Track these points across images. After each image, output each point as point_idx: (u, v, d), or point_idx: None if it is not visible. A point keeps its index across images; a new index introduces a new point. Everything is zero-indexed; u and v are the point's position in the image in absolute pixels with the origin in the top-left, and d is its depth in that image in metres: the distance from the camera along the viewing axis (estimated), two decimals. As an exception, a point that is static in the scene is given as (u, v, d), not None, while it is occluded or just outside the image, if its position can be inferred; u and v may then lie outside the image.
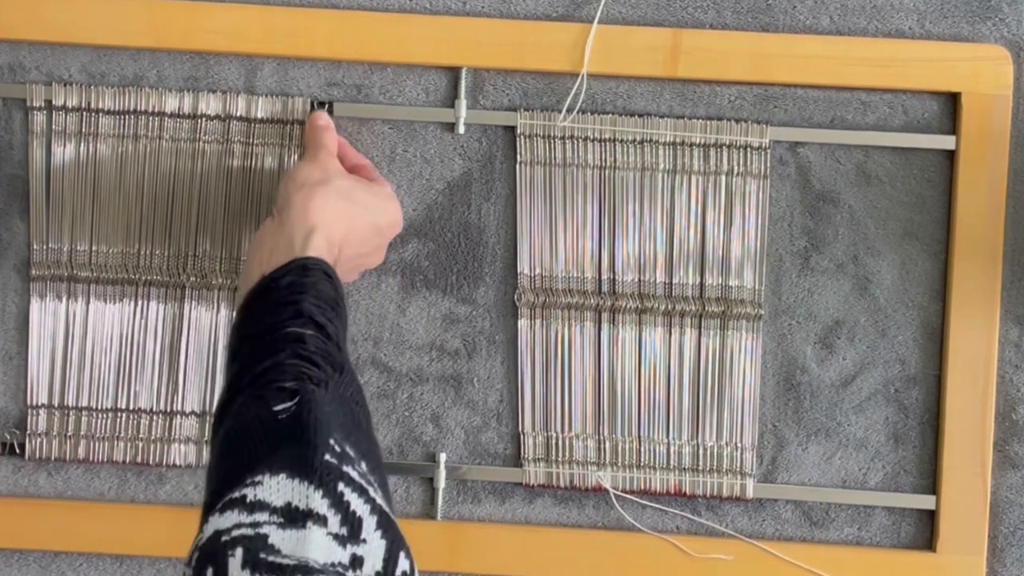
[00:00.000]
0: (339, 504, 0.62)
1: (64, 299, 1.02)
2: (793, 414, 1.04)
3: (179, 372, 1.03)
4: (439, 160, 1.04)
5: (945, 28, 1.04)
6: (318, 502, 0.62)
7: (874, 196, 1.04)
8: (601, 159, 1.03)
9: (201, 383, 1.03)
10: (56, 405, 1.03)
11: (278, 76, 1.04)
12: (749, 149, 1.03)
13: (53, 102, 1.02)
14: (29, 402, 1.03)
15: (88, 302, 1.02)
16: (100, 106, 1.02)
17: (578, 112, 1.03)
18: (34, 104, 1.03)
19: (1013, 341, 1.03)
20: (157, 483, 1.04)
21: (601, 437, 1.03)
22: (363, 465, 0.67)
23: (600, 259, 1.03)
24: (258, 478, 0.63)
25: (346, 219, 0.87)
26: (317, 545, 0.59)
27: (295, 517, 0.61)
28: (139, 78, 1.04)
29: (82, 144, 1.02)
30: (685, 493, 1.03)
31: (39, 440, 1.03)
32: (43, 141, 1.03)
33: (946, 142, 1.03)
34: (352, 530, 0.61)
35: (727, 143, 1.03)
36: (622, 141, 1.03)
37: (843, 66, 1.02)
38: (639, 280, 1.03)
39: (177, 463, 1.03)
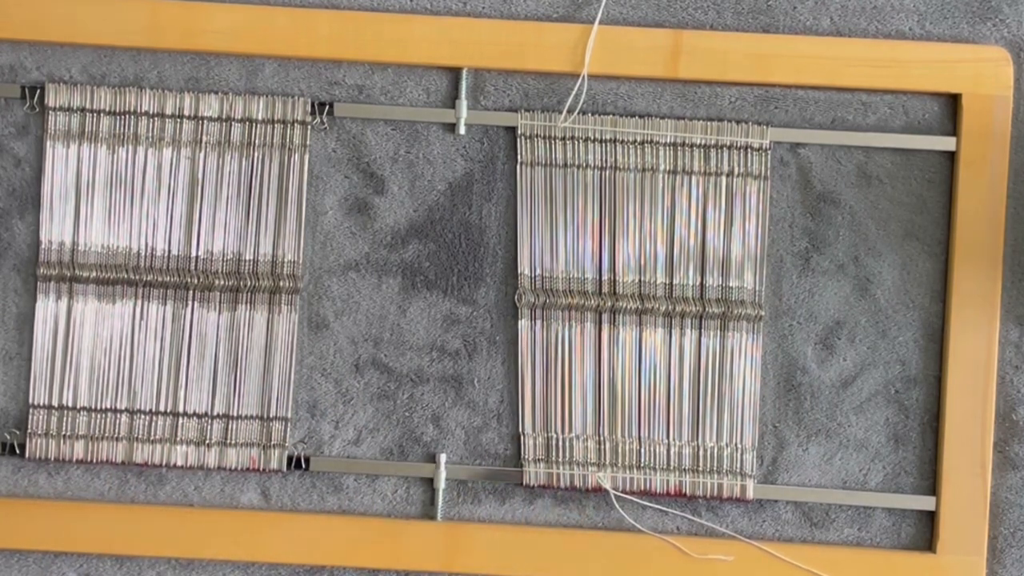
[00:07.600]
0: None
1: (66, 299, 1.02)
2: (793, 415, 1.04)
3: (181, 373, 1.03)
4: (440, 161, 1.04)
5: (945, 29, 1.04)
6: None
7: (875, 197, 1.04)
8: (602, 160, 1.03)
9: (203, 384, 1.03)
10: (56, 405, 1.03)
11: (279, 76, 1.04)
12: (750, 150, 1.03)
13: (53, 102, 1.02)
14: (29, 402, 1.03)
15: (89, 303, 1.02)
16: (101, 107, 1.02)
17: (579, 113, 1.03)
18: (36, 104, 1.03)
19: (1013, 341, 1.03)
20: (157, 483, 1.04)
21: (601, 438, 1.03)
22: None
23: (600, 260, 1.03)
24: None
25: None
26: None
27: None
28: (139, 78, 1.04)
29: (83, 144, 1.02)
30: (685, 494, 1.03)
31: (39, 440, 1.03)
32: (45, 141, 1.03)
33: (946, 143, 1.03)
34: None
35: (727, 144, 1.03)
36: (623, 142, 1.03)
37: (844, 67, 1.02)
38: (639, 281, 1.03)
39: (178, 464, 1.03)
